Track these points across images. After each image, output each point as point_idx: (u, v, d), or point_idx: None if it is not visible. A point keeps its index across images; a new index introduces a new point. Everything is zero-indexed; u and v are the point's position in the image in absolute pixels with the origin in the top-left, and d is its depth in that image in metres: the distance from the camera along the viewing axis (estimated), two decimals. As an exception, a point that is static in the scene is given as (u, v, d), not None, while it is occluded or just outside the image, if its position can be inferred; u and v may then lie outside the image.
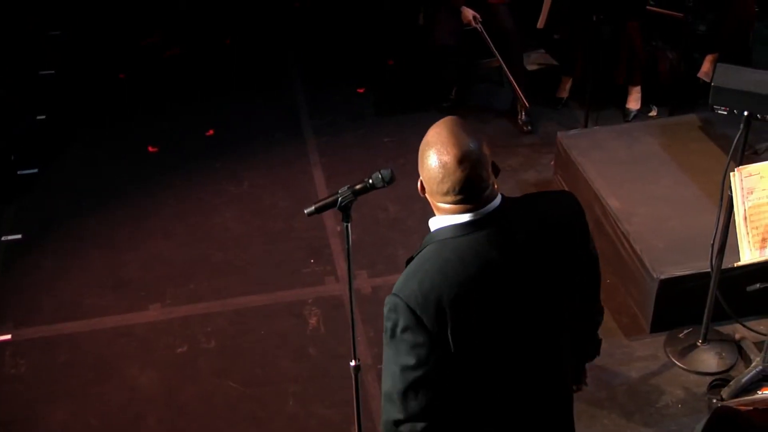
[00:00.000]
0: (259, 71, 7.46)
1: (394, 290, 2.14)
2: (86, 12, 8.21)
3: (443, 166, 2.10)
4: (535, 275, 2.23)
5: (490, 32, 6.24)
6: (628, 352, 4.54)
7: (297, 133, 6.55)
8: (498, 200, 2.20)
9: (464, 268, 2.12)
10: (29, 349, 4.80)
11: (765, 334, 4.38)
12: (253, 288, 5.09)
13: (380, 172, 2.83)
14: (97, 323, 4.93)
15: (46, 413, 4.41)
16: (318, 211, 2.89)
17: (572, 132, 5.70)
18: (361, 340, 4.64)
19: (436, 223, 2.23)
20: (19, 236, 5.64)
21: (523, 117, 6.32)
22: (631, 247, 4.65)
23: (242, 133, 6.55)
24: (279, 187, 5.94)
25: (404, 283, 2.14)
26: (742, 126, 3.76)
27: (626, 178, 5.13)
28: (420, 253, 2.21)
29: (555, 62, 6.97)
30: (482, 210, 2.15)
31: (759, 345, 4.38)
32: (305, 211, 2.91)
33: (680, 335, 4.54)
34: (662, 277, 4.41)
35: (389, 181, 2.83)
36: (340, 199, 2.85)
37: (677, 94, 6.18)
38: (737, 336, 4.53)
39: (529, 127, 6.30)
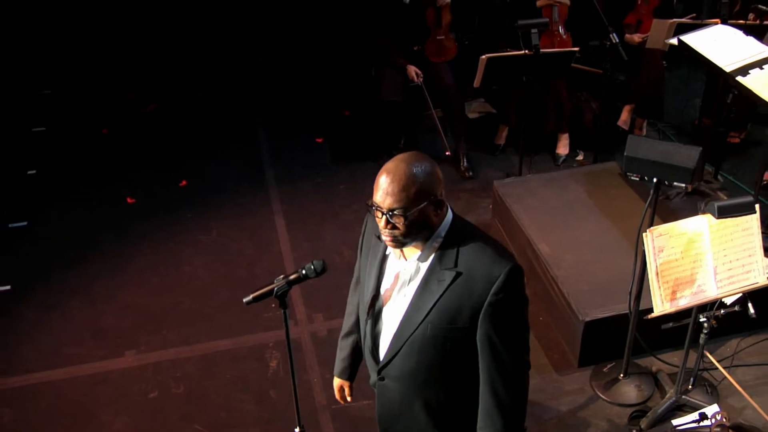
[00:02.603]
0: (226, 123, 7.29)
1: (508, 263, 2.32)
2: (73, 71, 7.98)
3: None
4: None
5: (431, 87, 6.10)
6: (558, 387, 4.41)
7: (260, 183, 6.37)
8: None
9: None
10: (12, 397, 4.59)
11: (677, 366, 4.25)
12: (218, 333, 4.90)
13: (312, 264, 2.66)
14: (75, 371, 4.72)
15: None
16: (255, 300, 2.72)
17: (507, 180, 5.56)
18: (317, 382, 4.48)
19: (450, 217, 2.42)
20: (8, 287, 5.41)
21: (465, 163, 6.18)
22: (560, 290, 4.51)
23: (212, 184, 6.37)
24: (245, 235, 5.76)
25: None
26: (651, 192, 3.64)
27: (555, 224, 5.01)
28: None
29: (494, 110, 6.82)
30: None
31: (673, 377, 4.27)
32: (244, 300, 2.72)
33: (604, 369, 4.42)
34: (587, 319, 4.30)
35: (321, 272, 2.66)
36: (276, 288, 2.68)
37: (600, 140, 6.06)
38: (654, 368, 4.42)
39: (470, 173, 6.16)
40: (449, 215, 2.41)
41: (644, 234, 3.50)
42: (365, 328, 2.65)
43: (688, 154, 3.48)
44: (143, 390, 4.54)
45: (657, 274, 3.53)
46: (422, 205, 2.28)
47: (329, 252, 5.47)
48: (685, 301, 3.58)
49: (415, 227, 2.31)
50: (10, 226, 6.03)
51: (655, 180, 3.59)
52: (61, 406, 4.51)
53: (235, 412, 4.36)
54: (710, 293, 3.59)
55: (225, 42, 8.20)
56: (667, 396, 4.15)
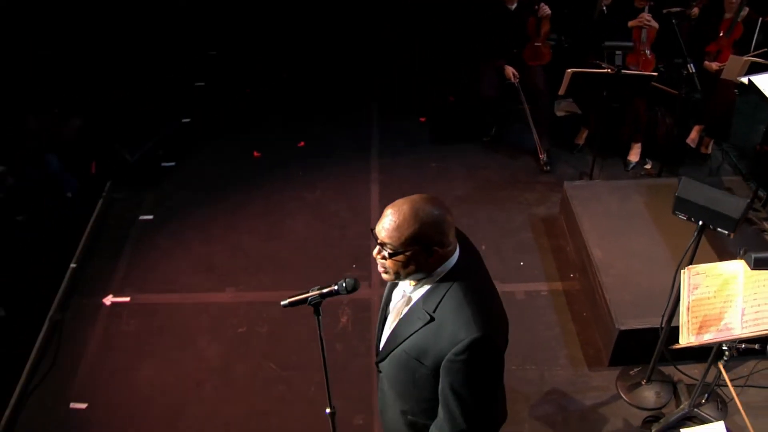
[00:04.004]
0: (346, 100, 6.89)
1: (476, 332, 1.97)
2: (234, 35, 7.83)
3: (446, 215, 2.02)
4: None
5: (525, 87, 5.61)
6: (587, 382, 4.03)
7: (365, 153, 6.07)
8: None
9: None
10: (139, 311, 4.63)
11: (696, 380, 3.78)
12: (304, 284, 4.64)
13: (345, 281, 2.38)
14: (186, 298, 4.70)
15: (139, 368, 4.24)
16: (291, 305, 2.48)
17: (576, 182, 5.05)
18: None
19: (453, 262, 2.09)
20: (151, 217, 5.43)
21: (544, 158, 5.67)
22: (604, 296, 4.08)
23: (324, 149, 6.13)
24: (342, 198, 5.52)
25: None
26: (695, 234, 3.14)
27: (612, 231, 4.52)
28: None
29: (579, 111, 6.24)
30: None
31: (690, 388, 3.85)
32: (281, 303, 2.48)
33: (631, 372, 4.00)
34: (622, 327, 3.88)
35: (351, 290, 2.38)
36: (309, 298, 2.44)
37: (669, 154, 5.42)
38: (676, 378, 3.95)
39: (548, 168, 5.66)
40: (453, 259, 2.07)
41: (682, 271, 3.04)
42: (380, 317, 2.42)
43: (735, 205, 2.95)
44: (234, 324, 4.47)
45: (688, 308, 3.08)
46: (410, 251, 1.98)
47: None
48: (710, 336, 3.12)
49: (401, 267, 2.02)
50: (162, 164, 6.03)
51: (700, 223, 3.08)
52: (170, 326, 4.51)
53: (304, 358, 4.22)
54: (735, 332, 3.11)
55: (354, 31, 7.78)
56: (681, 407, 3.73)
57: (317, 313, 2.48)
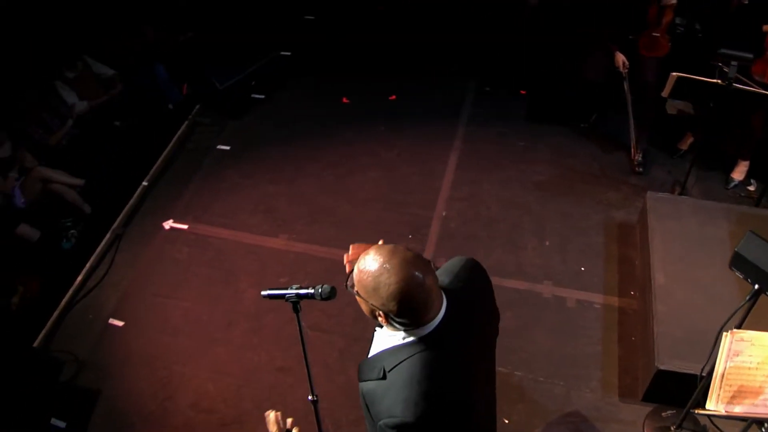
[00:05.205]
0: (444, 66, 6.48)
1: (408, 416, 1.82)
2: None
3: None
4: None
5: (632, 79, 5.12)
6: (614, 412, 3.76)
7: (453, 119, 5.79)
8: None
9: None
10: (194, 240, 4.76)
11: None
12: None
13: (321, 288, 2.31)
14: (239, 236, 4.77)
15: (180, 297, 4.39)
16: (270, 297, 2.42)
17: (660, 194, 4.59)
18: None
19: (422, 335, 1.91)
20: (227, 148, 5.50)
21: (639, 158, 5.22)
22: (653, 327, 3.74)
23: (413, 107, 5.92)
24: (417, 162, 5.34)
25: None
26: (749, 296, 2.78)
27: (683, 256, 4.10)
28: None
29: (692, 113, 5.66)
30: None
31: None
32: (261, 294, 2.42)
33: (663, 414, 3.69)
34: (661, 367, 3.55)
35: (326, 298, 2.30)
36: (287, 296, 2.37)
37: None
38: (709, 430, 3.61)
39: (641, 169, 5.20)
40: (430, 326, 1.86)
41: (725, 333, 2.72)
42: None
43: (800, 279, 2.57)
44: (278, 272, 4.50)
45: (723, 375, 2.76)
46: (363, 301, 1.84)
47: (480, 202, 4.96)
48: (741, 409, 2.79)
49: (367, 312, 1.86)
50: (252, 95, 6.05)
51: (756, 287, 2.72)
52: (218, 262, 4.60)
53: (333, 320, 4.20)
54: (772, 411, 2.77)
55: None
56: (706, 464, 3.42)
57: (295, 310, 2.40)
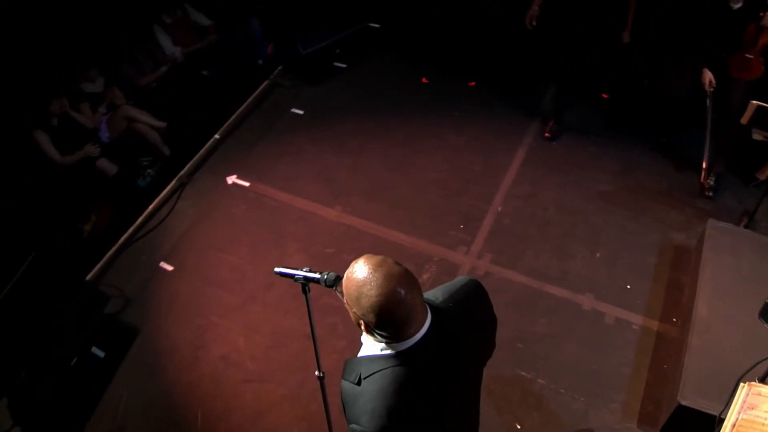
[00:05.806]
0: (529, 54, 6.15)
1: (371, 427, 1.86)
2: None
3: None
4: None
5: (717, 99, 4.88)
6: (628, 437, 3.71)
7: (529, 112, 5.67)
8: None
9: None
10: (252, 199, 4.92)
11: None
12: (405, 227, 4.72)
13: (327, 274, 2.38)
14: (296, 202, 4.90)
15: (229, 251, 4.57)
16: (281, 275, 2.50)
17: (721, 224, 4.40)
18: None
19: (403, 348, 1.93)
20: (301, 112, 5.62)
21: (711, 182, 5.00)
22: (685, 359, 3.65)
23: (491, 96, 5.83)
24: (484, 151, 5.29)
25: None
26: (771, 351, 2.68)
27: (730, 292, 3.94)
28: None
29: (779, 141, 5.35)
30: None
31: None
32: (274, 270, 2.51)
33: (678, 449, 3.61)
34: (683, 402, 3.46)
35: (330, 285, 2.36)
36: (296, 276, 2.46)
37: None
38: (726, 477, 3.51)
39: (710, 193, 4.99)
40: (409, 342, 1.87)
41: (742, 384, 2.64)
42: None
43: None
44: (326, 242, 4.61)
45: (733, 425, 2.68)
46: (348, 308, 1.87)
47: (538, 202, 4.90)
48: (748, 463, 2.72)
49: (354, 319, 1.90)
50: (334, 63, 6.13)
51: (783, 343, 2.62)
52: (273, 221, 4.76)
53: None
54: (782, 473, 2.68)
55: None
56: None
57: (304, 291, 2.49)
